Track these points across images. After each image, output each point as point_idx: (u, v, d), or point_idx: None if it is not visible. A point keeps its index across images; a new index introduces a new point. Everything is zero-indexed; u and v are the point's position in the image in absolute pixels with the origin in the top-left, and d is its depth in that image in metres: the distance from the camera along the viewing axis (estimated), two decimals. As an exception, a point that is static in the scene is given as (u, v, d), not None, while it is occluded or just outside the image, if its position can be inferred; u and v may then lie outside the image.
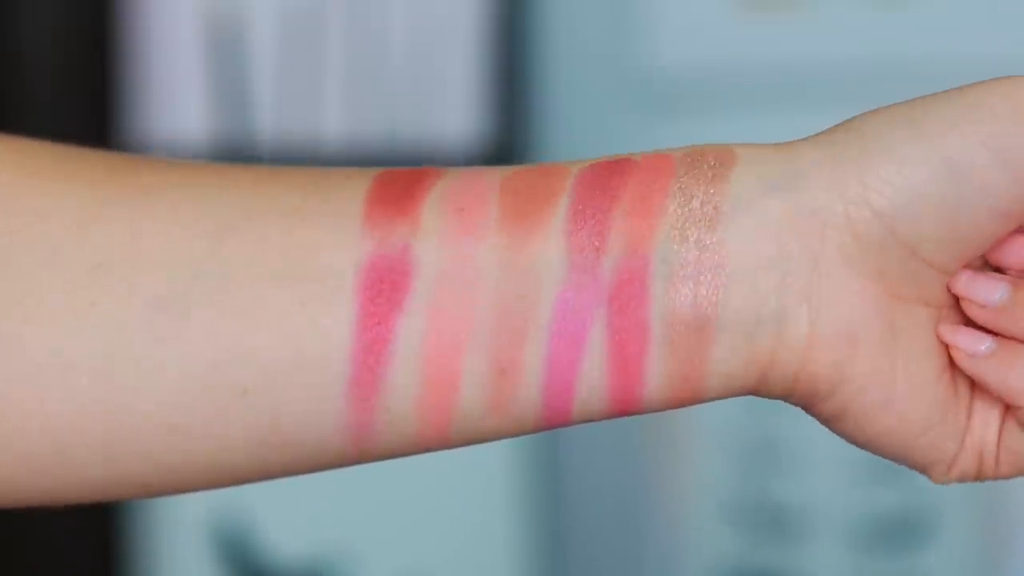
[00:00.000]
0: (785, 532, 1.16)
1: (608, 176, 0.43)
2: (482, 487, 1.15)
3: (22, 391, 0.42)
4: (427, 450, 0.44)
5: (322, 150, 1.15)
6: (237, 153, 1.16)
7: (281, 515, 1.15)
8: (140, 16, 1.15)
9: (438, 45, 1.15)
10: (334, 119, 1.15)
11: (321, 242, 0.43)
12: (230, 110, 1.16)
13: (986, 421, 0.45)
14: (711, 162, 0.43)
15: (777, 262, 0.43)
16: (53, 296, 0.42)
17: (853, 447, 0.46)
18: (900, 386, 0.44)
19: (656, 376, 0.43)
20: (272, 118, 1.16)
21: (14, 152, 0.44)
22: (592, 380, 0.43)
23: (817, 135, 0.44)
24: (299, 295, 0.42)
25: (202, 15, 1.16)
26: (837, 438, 0.45)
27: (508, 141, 1.15)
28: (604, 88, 1.17)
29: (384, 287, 0.42)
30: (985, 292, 0.44)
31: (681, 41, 1.15)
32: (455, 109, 1.15)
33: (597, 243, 0.43)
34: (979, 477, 0.46)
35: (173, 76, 1.16)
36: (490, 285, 0.43)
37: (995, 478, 0.46)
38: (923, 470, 0.45)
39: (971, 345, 0.44)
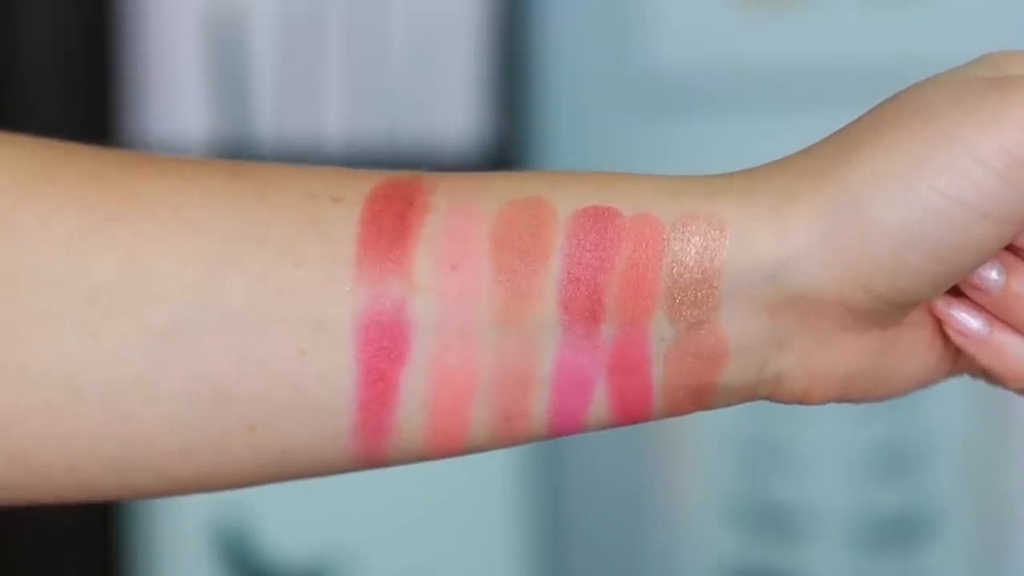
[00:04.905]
0: (785, 532, 1.16)
1: (598, 238, 0.43)
2: (482, 487, 1.15)
3: (31, 420, 0.42)
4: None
5: (322, 150, 1.15)
6: (237, 153, 1.16)
7: (281, 515, 1.15)
8: (140, 16, 1.15)
9: (438, 45, 1.15)
10: (334, 119, 1.15)
11: (316, 288, 0.42)
12: (230, 110, 1.16)
13: (971, 364, 0.47)
14: (702, 238, 0.43)
15: (772, 335, 0.43)
16: (56, 325, 0.42)
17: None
18: (896, 381, 0.45)
19: (659, 413, 0.44)
20: (272, 118, 1.16)
21: (8, 157, 0.43)
22: (598, 416, 0.44)
23: (809, 190, 0.43)
24: (299, 344, 0.42)
25: (202, 15, 1.16)
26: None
27: (508, 141, 1.15)
28: (604, 88, 1.16)
29: (384, 344, 0.42)
30: (981, 272, 0.44)
31: (681, 41, 1.15)
32: (455, 109, 1.15)
33: (592, 314, 0.43)
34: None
35: (173, 76, 1.16)
36: (489, 343, 0.43)
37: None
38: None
39: (963, 322, 0.45)
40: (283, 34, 1.16)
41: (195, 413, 0.42)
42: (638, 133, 1.15)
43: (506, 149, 1.15)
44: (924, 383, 0.46)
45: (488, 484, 1.15)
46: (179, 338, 0.42)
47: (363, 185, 0.44)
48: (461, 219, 0.43)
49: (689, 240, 0.43)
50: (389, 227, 0.43)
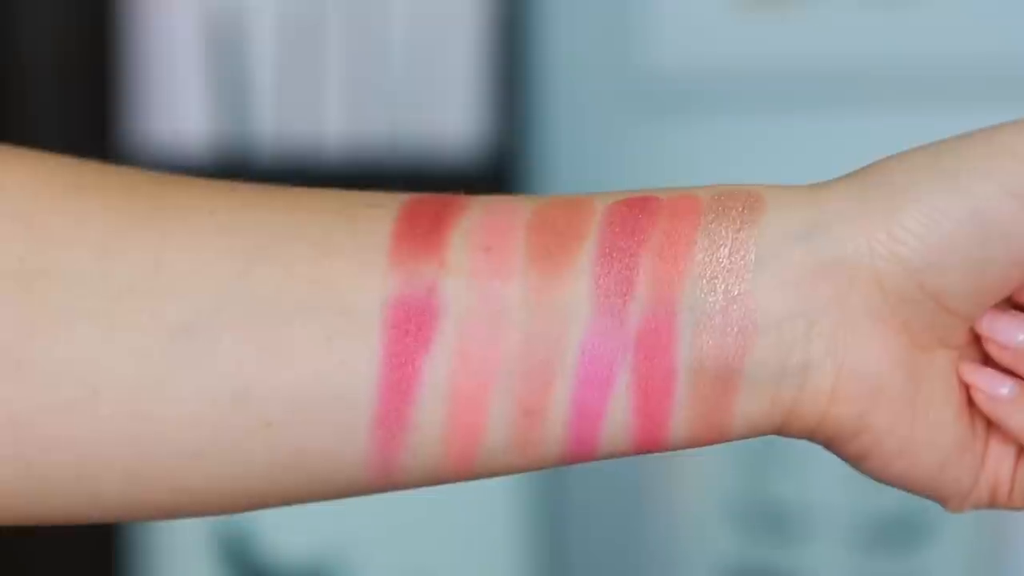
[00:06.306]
0: (785, 532, 1.16)
1: (635, 217, 0.43)
2: (482, 487, 1.15)
3: (45, 418, 0.42)
4: (450, 482, 0.44)
5: (322, 151, 1.15)
6: (237, 153, 1.16)
7: (281, 515, 1.15)
8: (140, 16, 1.15)
9: (438, 47, 1.15)
10: (334, 120, 1.15)
11: (347, 276, 0.42)
12: (230, 110, 1.16)
13: (1001, 457, 0.45)
14: (739, 208, 0.43)
15: (803, 313, 0.42)
16: (77, 324, 0.41)
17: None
18: (919, 433, 0.44)
19: (681, 421, 0.43)
20: (272, 119, 1.16)
21: (33, 169, 0.43)
22: (617, 423, 0.43)
23: (847, 177, 0.43)
24: (326, 331, 0.42)
25: (202, 15, 1.16)
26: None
27: (508, 142, 1.15)
28: (604, 89, 1.17)
29: (411, 327, 0.42)
30: (1007, 333, 0.44)
31: (681, 42, 1.15)
32: (455, 110, 1.15)
33: (624, 288, 0.42)
34: (992, 506, 0.46)
35: (173, 76, 1.16)
36: (516, 327, 0.42)
37: (1008, 508, 0.46)
38: (939, 501, 0.46)
39: (992, 387, 0.44)
40: (283, 35, 1.16)
41: (211, 411, 0.42)
42: (638, 133, 1.15)
43: (506, 150, 1.15)
44: (945, 468, 0.44)
45: (488, 484, 1.15)
46: (199, 334, 0.42)
47: (398, 197, 0.44)
48: (497, 213, 0.43)
49: (724, 213, 0.43)
50: (424, 223, 0.43)
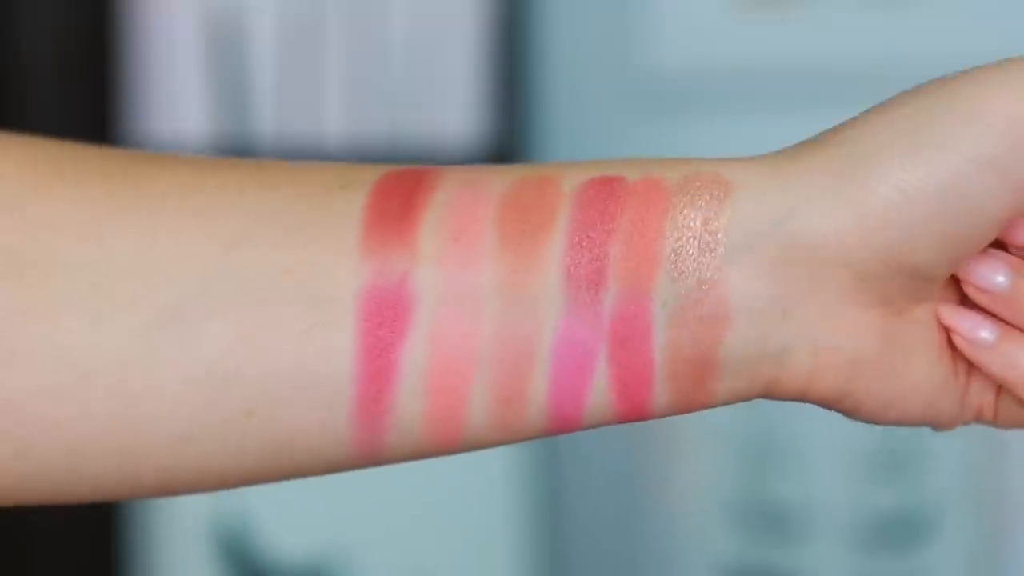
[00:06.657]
0: (785, 532, 1.16)
1: (603, 201, 0.43)
2: (482, 487, 1.15)
3: (38, 404, 0.42)
4: (436, 456, 0.45)
5: (322, 150, 1.15)
6: (237, 153, 1.16)
7: (281, 515, 1.15)
8: (140, 16, 1.15)
9: (438, 45, 1.15)
10: (334, 119, 1.15)
11: (322, 264, 0.43)
12: (230, 110, 1.16)
13: (983, 390, 0.46)
14: (707, 197, 0.43)
15: (776, 298, 0.43)
16: (66, 310, 0.42)
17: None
18: (904, 385, 0.45)
19: (661, 399, 0.44)
20: (272, 118, 1.16)
21: (21, 155, 0.44)
22: (597, 403, 0.44)
23: (814, 150, 0.43)
24: (303, 321, 0.42)
25: (202, 15, 1.16)
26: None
27: (508, 141, 1.15)
28: (603, 88, 1.17)
29: (385, 317, 0.42)
30: (986, 276, 0.44)
31: (681, 41, 1.15)
32: (455, 110, 1.15)
33: (596, 280, 0.42)
34: (979, 422, 0.47)
35: (173, 76, 1.16)
36: (491, 316, 0.42)
37: (994, 426, 0.47)
38: (927, 426, 0.47)
39: (971, 331, 0.44)
40: (283, 34, 1.16)
41: (198, 395, 0.42)
42: (638, 133, 1.16)
43: (506, 149, 1.15)
44: (932, 405, 0.45)
45: (487, 484, 1.15)
46: (185, 319, 0.42)
47: (371, 174, 0.44)
48: (467, 194, 0.43)
49: (693, 199, 0.43)
50: (395, 206, 0.43)
